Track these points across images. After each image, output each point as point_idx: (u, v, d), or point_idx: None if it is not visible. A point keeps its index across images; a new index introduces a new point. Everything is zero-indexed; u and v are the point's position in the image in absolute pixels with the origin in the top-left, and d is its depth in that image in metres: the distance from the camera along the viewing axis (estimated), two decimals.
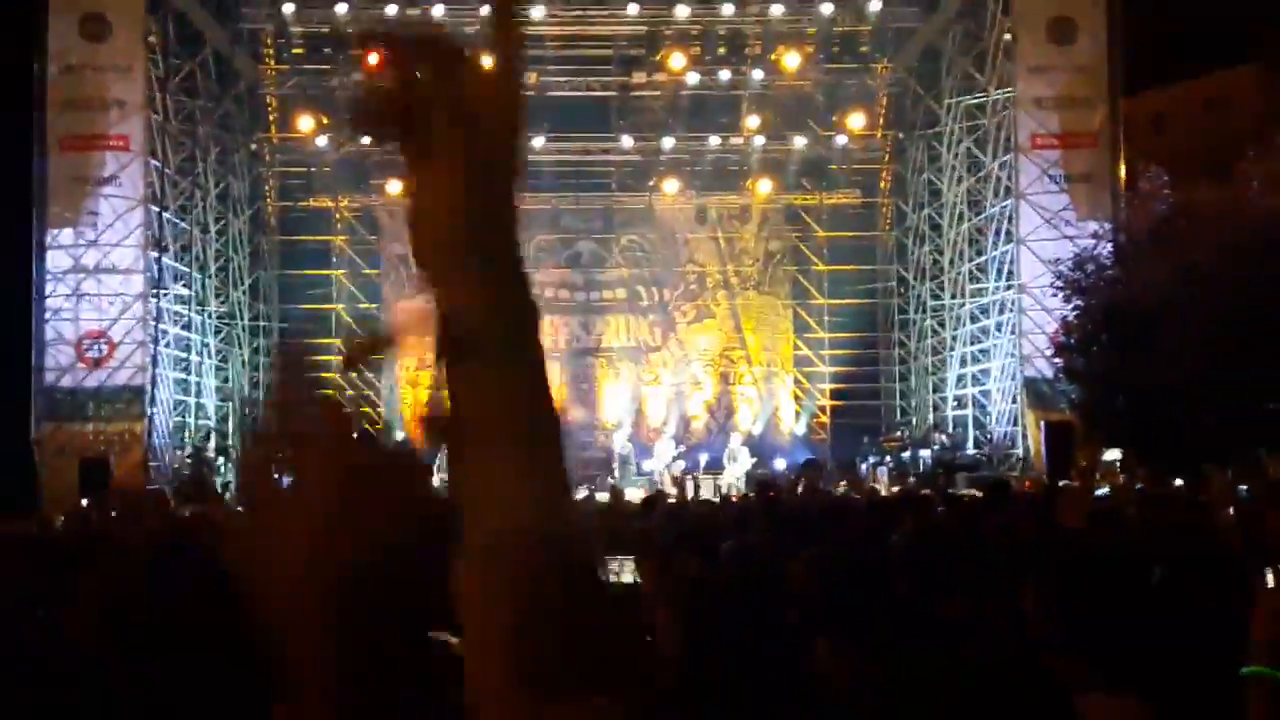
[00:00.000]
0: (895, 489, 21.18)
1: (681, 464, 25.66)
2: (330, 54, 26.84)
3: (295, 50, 27.27)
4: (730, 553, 5.77)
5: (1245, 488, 11.64)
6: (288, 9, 26.26)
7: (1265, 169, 19.86)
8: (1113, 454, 19.28)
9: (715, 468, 25.57)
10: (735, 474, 24.75)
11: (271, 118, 28.97)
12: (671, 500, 17.41)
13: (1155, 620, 3.95)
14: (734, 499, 15.41)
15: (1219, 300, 17.17)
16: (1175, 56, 31.30)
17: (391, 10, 26.15)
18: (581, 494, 22.55)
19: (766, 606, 4.97)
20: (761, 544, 6.42)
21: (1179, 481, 13.26)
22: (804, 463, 20.41)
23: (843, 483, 21.88)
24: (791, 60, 26.92)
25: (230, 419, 27.33)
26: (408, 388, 29.14)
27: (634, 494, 22.16)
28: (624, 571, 4.52)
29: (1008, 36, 23.73)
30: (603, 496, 17.95)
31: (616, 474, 24.53)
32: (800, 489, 15.63)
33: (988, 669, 3.67)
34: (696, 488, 23.80)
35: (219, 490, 23.07)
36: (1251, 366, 16.51)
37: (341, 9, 26.07)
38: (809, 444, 28.42)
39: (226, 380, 27.43)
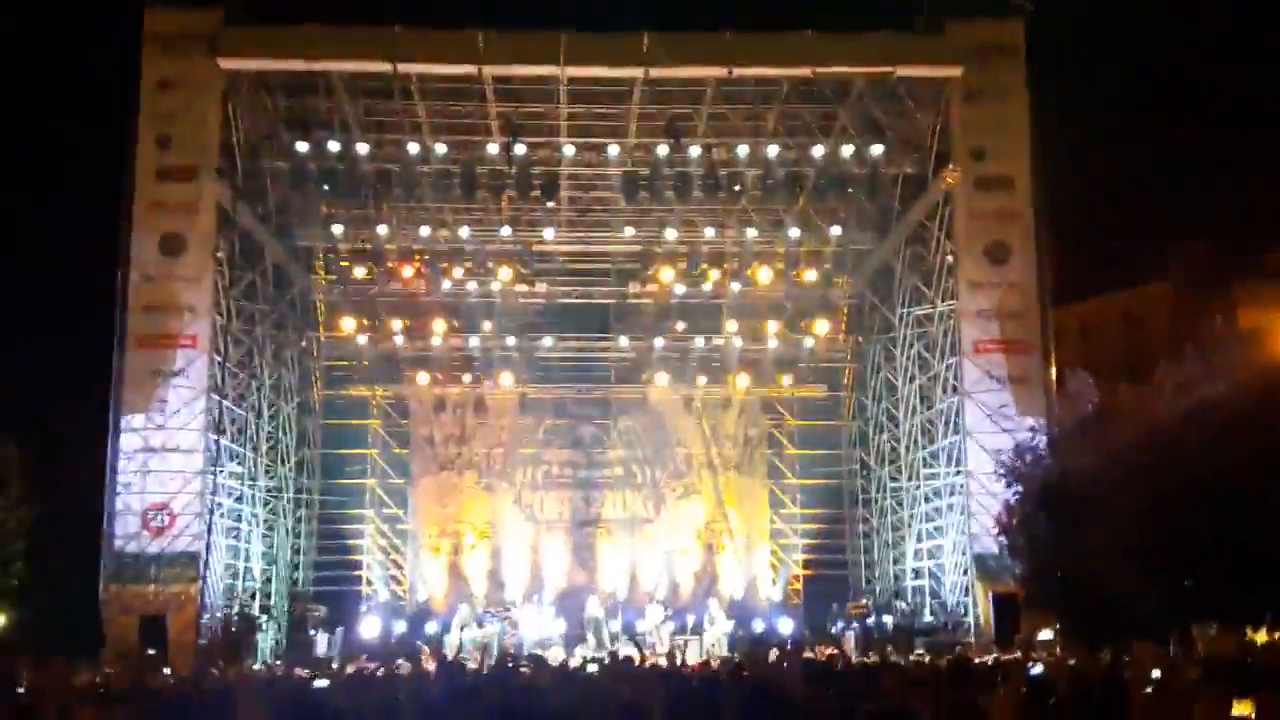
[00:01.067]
0: (869, 654, 20.78)
1: (671, 625, 25.23)
2: (371, 266, 27.41)
3: (342, 263, 27.81)
4: None
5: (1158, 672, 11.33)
6: (336, 229, 26.88)
7: (1178, 374, 20.06)
8: (1046, 633, 18.97)
9: (700, 629, 25.13)
10: (714, 636, 24.38)
11: (319, 319, 29.42)
12: (660, 664, 17.11)
13: None
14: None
15: (1140, 487, 17.15)
16: (1098, 273, 32.04)
17: (425, 231, 26.81)
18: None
19: None
20: None
21: (1108, 656, 13.03)
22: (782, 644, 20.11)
23: (817, 647, 21.48)
24: (764, 274, 27.54)
25: (273, 581, 26.98)
26: (430, 553, 28.88)
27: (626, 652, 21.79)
28: None
29: (950, 258, 24.25)
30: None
31: (590, 638, 23.98)
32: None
33: None
34: (684, 651, 23.32)
35: (254, 648, 22.70)
36: (1172, 547, 16.39)
37: (382, 229, 26.70)
38: (785, 608, 27.97)
39: (272, 546, 27.17)
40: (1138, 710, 7.40)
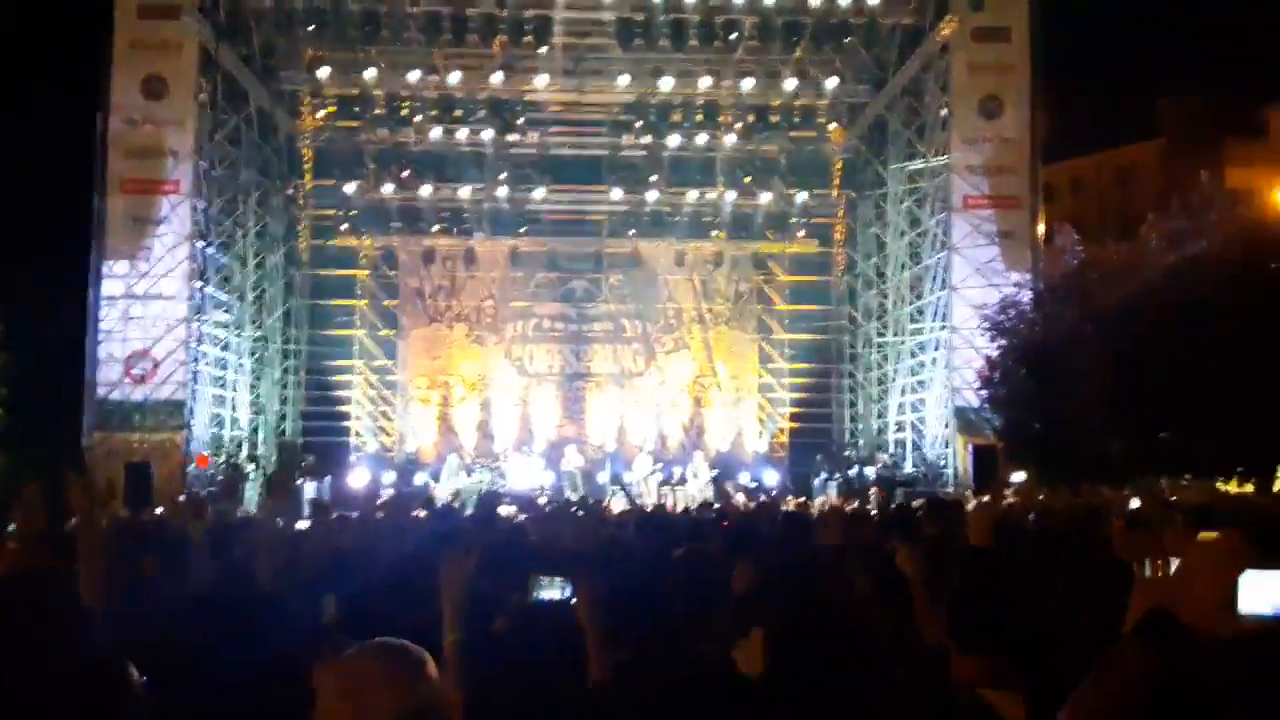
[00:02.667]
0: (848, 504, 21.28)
1: (658, 476, 25.80)
2: (358, 111, 27.03)
3: (329, 109, 27.43)
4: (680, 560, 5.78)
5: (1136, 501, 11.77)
6: (322, 72, 26.45)
7: (1164, 230, 20.14)
8: (1019, 476, 19.49)
9: (684, 480, 25.71)
10: (697, 487, 24.93)
11: (306, 166, 29.17)
12: (650, 508, 17.54)
13: (1049, 621, 3.92)
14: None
15: (1120, 341, 17.39)
16: (1089, 130, 31.67)
17: (414, 76, 26.36)
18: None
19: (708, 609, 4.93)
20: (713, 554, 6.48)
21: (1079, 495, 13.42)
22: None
23: (797, 500, 21.98)
24: (759, 128, 27.14)
25: (261, 430, 27.40)
26: (419, 404, 29.25)
27: (616, 504, 22.37)
28: (552, 588, 4.38)
29: (945, 111, 24.05)
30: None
31: (569, 489, 24.52)
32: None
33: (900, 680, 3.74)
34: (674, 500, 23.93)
35: (244, 494, 23.19)
36: (1148, 400, 16.71)
37: (370, 73, 26.28)
38: (770, 460, 28.55)
39: (259, 396, 27.51)
40: (1114, 536, 7.70)
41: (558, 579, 4.40)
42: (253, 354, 27.22)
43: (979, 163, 23.54)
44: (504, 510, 15.15)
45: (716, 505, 19.04)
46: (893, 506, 15.94)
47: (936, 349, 24.67)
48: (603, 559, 6.92)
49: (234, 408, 25.88)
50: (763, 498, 20.78)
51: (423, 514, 15.06)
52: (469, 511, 18.83)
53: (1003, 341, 21.17)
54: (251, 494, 24.17)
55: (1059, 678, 3.13)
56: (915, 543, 5.28)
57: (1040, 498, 14.26)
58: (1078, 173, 32.61)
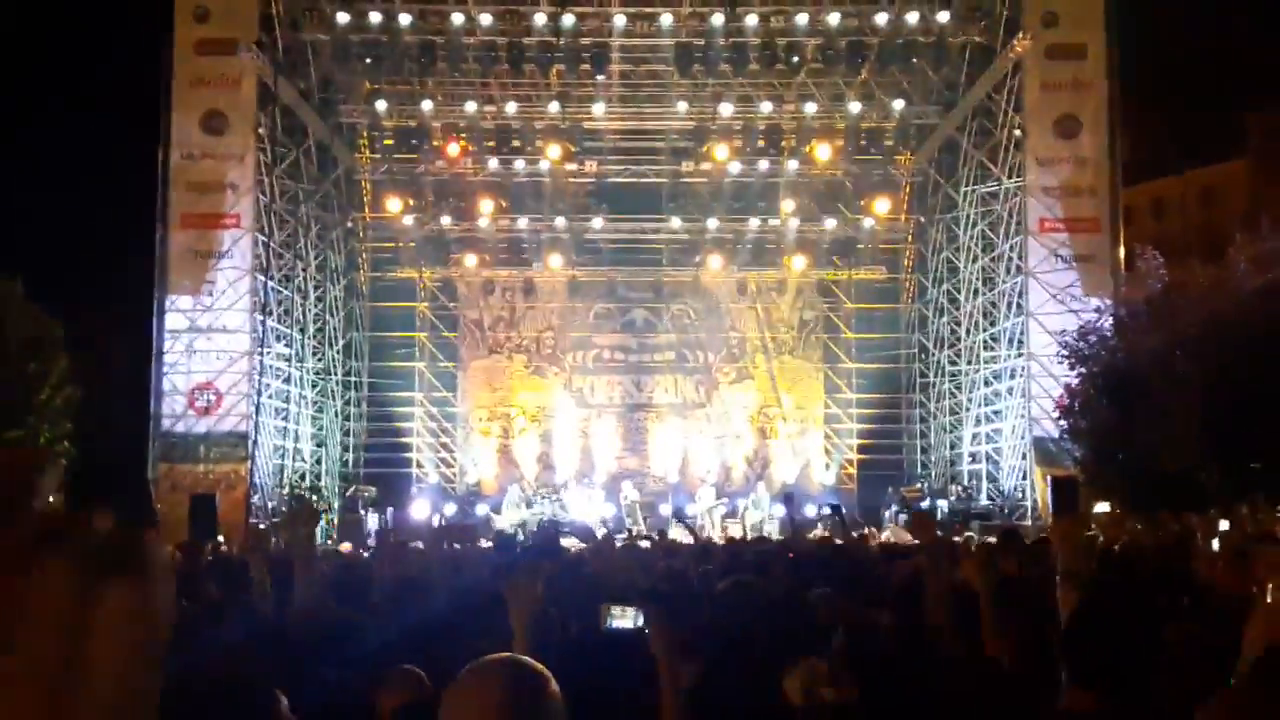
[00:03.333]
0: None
1: (722, 509, 25.60)
2: (416, 144, 27.33)
3: (386, 141, 27.79)
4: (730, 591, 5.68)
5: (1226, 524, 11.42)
6: (380, 105, 26.81)
7: (1253, 251, 19.66)
8: (1102, 506, 19.03)
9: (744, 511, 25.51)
10: (756, 518, 24.68)
11: (365, 199, 29.53)
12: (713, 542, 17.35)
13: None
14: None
15: (1206, 367, 16.95)
16: (1172, 149, 31.09)
17: (470, 107, 26.62)
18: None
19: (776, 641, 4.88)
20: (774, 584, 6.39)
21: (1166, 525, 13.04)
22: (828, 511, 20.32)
23: (867, 529, 21.68)
24: (823, 152, 27.03)
25: (323, 461, 27.63)
26: (480, 436, 29.37)
27: (678, 535, 22.20)
28: (624, 618, 4.38)
29: (1018, 132, 23.77)
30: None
31: (629, 522, 24.47)
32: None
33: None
34: (743, 531, 23.77)
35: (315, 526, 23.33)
36: (1238, 426, 16.25)
37: (426, 105, 26.58)
38: (838, 492, 28.22)
39: (321, 428, 27.76)
40: (1200, 562, 7.52)
41: (629, 609, 4.41)
42: (314, 386, 27.49)
43: (1055, 184, 23.22)
44: (564, 542, 15.09)
45: (779, 537, 18.90)
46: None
47: (1012, 377, 24.28)
48: (666, 591, 6.84)
49: (296, 439, 26.13)
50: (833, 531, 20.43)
51: (485, 544, 15.02)
52: (527, 542, 18.94)
53: (1083, 369, 20.74)
54: (325, 525, 24.42)
55: (1178, 710, 2.99)
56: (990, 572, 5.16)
57: (1126, 528, 13.86)
58: (1160, 193, 32.01)
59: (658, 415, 29.64)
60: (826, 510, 22.58)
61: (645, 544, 13.97)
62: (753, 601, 5.42)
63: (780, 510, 24.79)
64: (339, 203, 28.51)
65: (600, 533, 20.49)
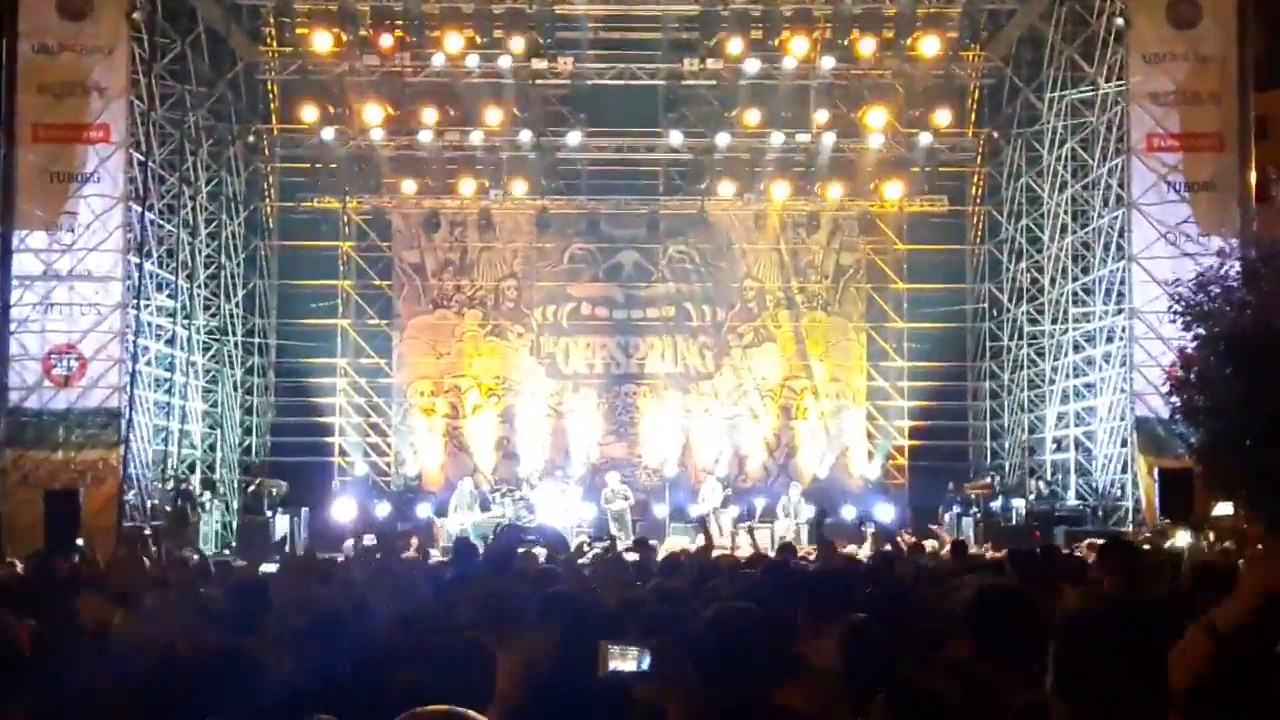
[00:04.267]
0: (987, 547, 21.00)
1: (734, 511, 25.60)
2: (338, 33, 27.07)
3: (299, 30, 27.51)
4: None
5: None
6: None
7: None
8: (1224, 508, 18.97)
9: (772, 515, 25.51)
10: (788, 527, 24.71)
11: (272, 105, 29.29)
12: (723, 552, 17.34)
13: None
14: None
15: None
16: None
17: None
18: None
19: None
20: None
21: None
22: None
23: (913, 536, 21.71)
24: (867, 46, 26.83)
25: (219, 448, 27.52)
26: (421, 415, 29.31)
27: (678, 542, 22.25)
28: (625, 659, 4.38)
29: (1120, 21, 23.56)
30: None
31: (615, 528, 24.48)
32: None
33: None
34: (752, 539, 23.84)
35: (196, 530, 23.26)
36: None
37: None
38: (883, 489, 28.23)
39: (215, 404, 27.62)
40: None
41: (632, 649, 4.48)
42: (207, 350, 27.34)
43: (1168, 89, 23.05)
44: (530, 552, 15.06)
45: (802, 553, 18.88)
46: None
47: (1110, 341, 24.24)
48: (669, 621, 6.78)
49: (183, 419, 26.00)
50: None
51: (440, 557, 14.98)
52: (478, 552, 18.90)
53: (1200, 330, 20.65)
54: (208, 530, 24.31)
55: None
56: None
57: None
58: None
59: (651, 389, 29.63)
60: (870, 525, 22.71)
61: (633, 555, 13.95)
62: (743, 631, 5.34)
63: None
64: (237, 110, 28.26)
65: (577, 540, 20.54)
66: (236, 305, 28.48)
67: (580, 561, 13.82)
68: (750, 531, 24.20)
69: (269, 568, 13.26)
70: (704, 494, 26.02)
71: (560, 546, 16.12)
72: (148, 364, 24.49)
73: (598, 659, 4.49)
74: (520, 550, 12.63)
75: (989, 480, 27.03)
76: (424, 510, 26.10)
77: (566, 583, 9.81)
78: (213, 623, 6.93)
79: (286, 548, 23.15)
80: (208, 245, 27.35)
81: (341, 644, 5.91)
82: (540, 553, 14.57)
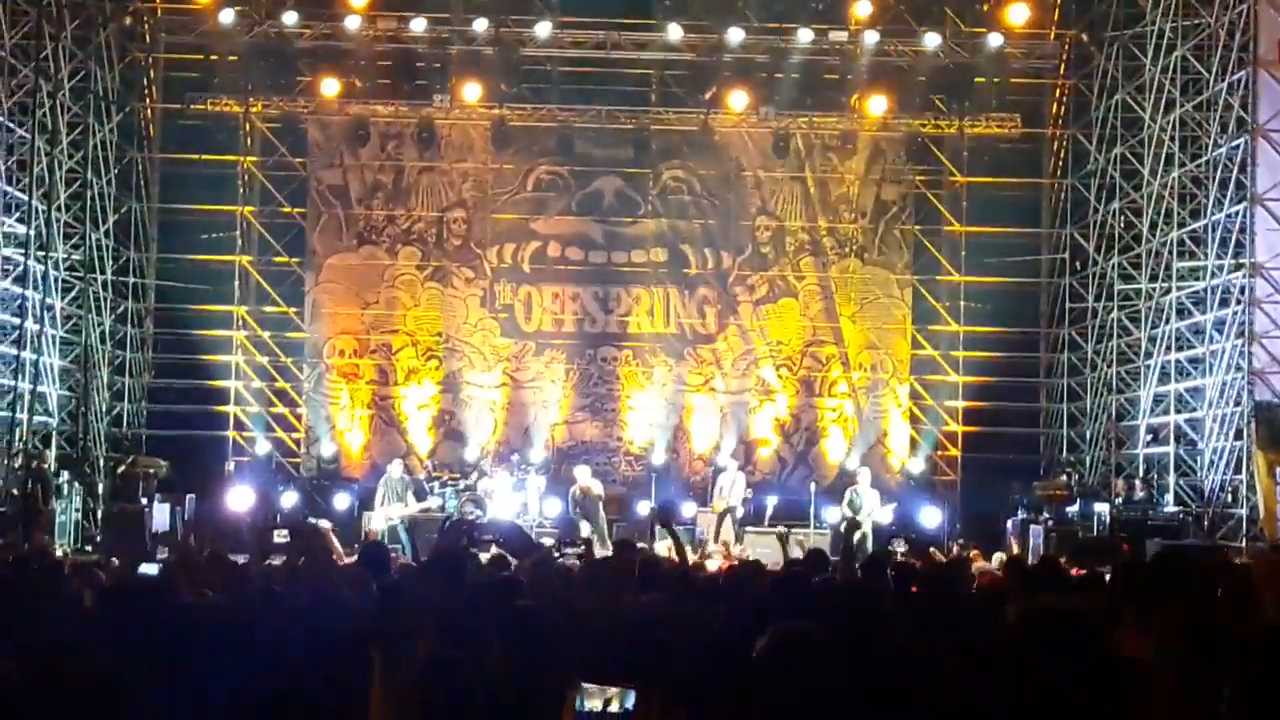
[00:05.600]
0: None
1: (739, 510, 25.57)
2: None
3: None
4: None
5: None
6: None
7: None
8: None
9: (792, 513, 25.43)
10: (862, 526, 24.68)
11: None
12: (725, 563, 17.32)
13: None
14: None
15: None
16: None
17: None
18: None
19: None
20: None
21: None
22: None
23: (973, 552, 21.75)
24: None
25: (82, 416, 27.37)
26: (341, 381, 29.22)
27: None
28: (598, 697, 4.42)
29: None
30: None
31: (587, 529, 24.47)
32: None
33: None
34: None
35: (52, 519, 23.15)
36: None
37: None
38: (929, 487, 28.24)
39: (77, 361, 27.48)
40: None
41: (612, 690, 4.56)
42: (67, 291, 27.22)
43: None
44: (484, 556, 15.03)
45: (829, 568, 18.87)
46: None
47: (1224, 305, 24.24)
48: (652, 649, 6.76)
49: (36, 378, 25.89)
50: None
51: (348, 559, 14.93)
52: (404, 558, 18.87)
53: None
54: (66, 519, 24.21)
55: None
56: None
57: None
58: None
59: (636, 355, 29.64)
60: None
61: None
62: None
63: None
64: None
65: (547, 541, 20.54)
66: (106, 234, 28.31)
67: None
68: (783, 539, 23.85)
69: (148, 569, 13.18)
70: (721, 487, 25.70)
71: (524, 548, 16.07)
72: None
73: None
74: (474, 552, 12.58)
75: (1065, 479, 27.08)
76: (342, 501, 26.09)
77: (537, 596, 9.76)
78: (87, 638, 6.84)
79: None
80: (70, 157, 27.16)
81: (233, 665, 5.87)
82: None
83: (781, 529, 23.62)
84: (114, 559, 19.01)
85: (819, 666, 5.39)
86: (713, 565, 17.42)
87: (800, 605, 8.63)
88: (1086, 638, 5.31)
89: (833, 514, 25.19)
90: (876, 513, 24.96)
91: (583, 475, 25.88)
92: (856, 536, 24.30)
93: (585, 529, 24.65)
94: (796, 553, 21.04)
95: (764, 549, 23.39)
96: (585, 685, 4.57)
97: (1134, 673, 4.69)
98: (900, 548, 21.54)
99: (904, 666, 6.04)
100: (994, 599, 9.41)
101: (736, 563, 16.73)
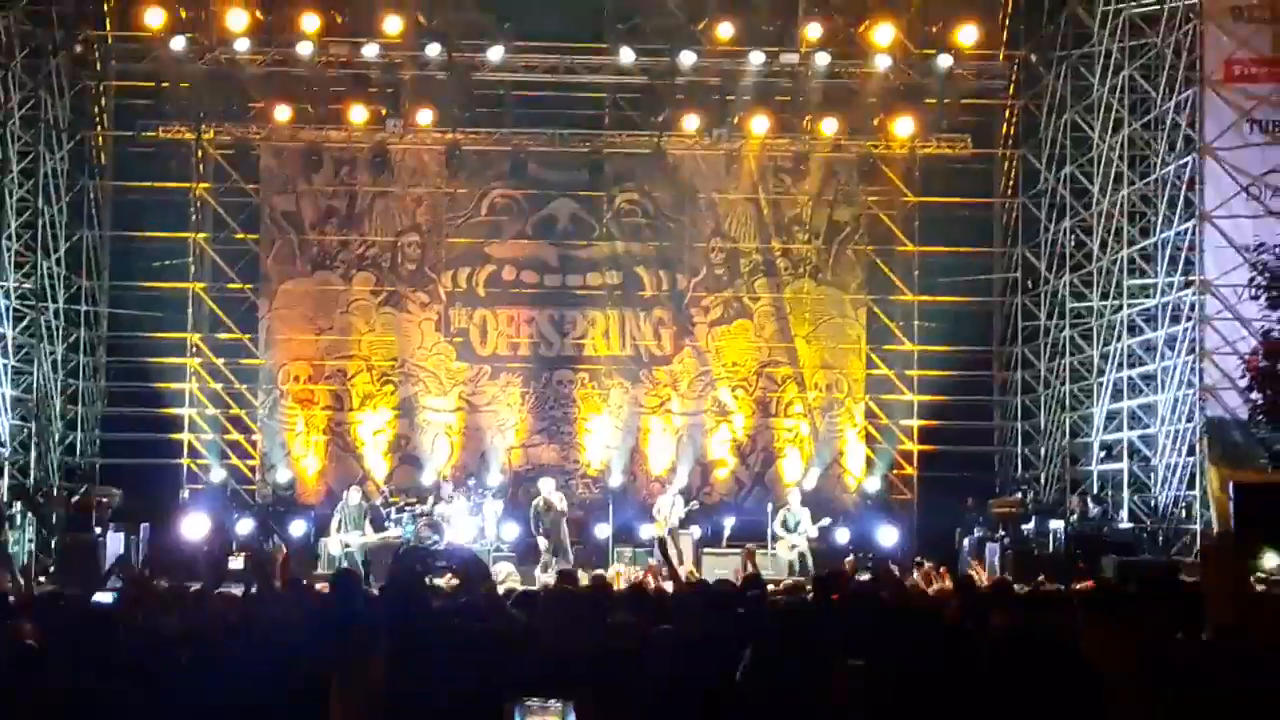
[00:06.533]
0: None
1: (694, 530, 25.59)
2: None
3: None
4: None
5: None
6: None
7: None
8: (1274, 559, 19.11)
9: (750, 534, 25.46)
10: (795, 545, 24.84)
11: (107, 7, 28.99)
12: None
13: None
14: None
15: None
16: None
17: None
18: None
19: None
20: None
21: None
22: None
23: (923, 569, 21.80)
24: None
25: (34, 445, 27.25)
26: (296, 407, 29.14)
27: (623, 571, 22.26)
28: (543, 714, 4.44)
29: None
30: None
31: (547, 553, 24.54)
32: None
33: None
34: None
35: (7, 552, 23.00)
36: None
37: None
38: (885, 506, 28.30)
39: (30, 389, 27.35)
40: None
41: (553, 702, 4.59)
42: (18, 321, 27.07)
43: (1252, 1, 23.24)
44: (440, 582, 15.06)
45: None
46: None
47: (1175, 322, 24.35)
48: (613, 666, 6.78)
49: None
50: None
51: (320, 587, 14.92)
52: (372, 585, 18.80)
53: None
54: (19, 550, 24.05)
55: None
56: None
57: None
58: None
59: (592, 377, 29.66)
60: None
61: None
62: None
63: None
64: (61, 12, 27.94)
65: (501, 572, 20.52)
66: (57, 263, 28.23)
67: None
68: (751, 557, 23.97)
69: (103, 598, 13.10)
70: (660, 509, 25.92)
71: (478, 573, 16.05)
72: None
73: None
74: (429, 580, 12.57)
75: (1020, 496, 27.19)
76: (298, 528, 25.95)
77: (493, 621, 9.77)
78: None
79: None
80: (21, 185, 27.07)
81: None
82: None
83: (750, 546, 23.87)
84: (66, 588, 18.94)
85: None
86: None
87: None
88: (1064, 653, 5.39)
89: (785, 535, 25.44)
90: (809, 530, 25.22)
91: (546, 487, 25.86)
92: (794, 555, 24.60)
93: (544, 546, 24.68)
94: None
95: (722, 570, 23.59)
96: (527, 701, 4.60)
97: (1106, 686, 4.75)
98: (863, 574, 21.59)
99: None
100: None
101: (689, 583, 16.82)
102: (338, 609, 10.66)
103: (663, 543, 19.54)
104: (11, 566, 22.61)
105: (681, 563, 24.14)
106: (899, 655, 7.34)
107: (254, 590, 11.92)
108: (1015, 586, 18.92)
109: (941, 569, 20.97)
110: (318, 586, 18.78)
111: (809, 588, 14.33)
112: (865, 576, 19.29)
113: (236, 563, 20.94)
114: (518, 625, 10.03)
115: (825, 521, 25.66)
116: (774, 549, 25.33)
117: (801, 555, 24.87)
